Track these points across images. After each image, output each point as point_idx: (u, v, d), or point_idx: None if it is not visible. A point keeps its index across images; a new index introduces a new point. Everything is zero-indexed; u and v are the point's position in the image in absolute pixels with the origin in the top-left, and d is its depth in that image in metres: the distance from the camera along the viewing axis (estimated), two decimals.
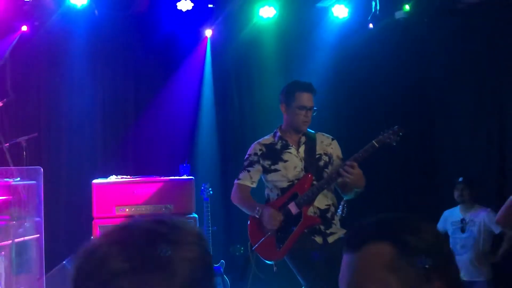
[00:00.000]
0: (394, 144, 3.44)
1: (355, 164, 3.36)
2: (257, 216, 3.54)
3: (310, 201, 3.50)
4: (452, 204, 5.18)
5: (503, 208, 3.40)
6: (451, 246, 5.05)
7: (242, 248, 3.63)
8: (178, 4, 5.59)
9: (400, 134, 3.46)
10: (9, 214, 4.36)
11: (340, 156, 3.69)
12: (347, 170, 3.34)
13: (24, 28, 5.50)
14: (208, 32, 6.05)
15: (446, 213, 5.25)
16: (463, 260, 4.95)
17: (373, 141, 3.44)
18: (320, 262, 3.48)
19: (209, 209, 4.93)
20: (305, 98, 3.60)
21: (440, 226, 5.30)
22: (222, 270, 5.06)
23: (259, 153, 3.70)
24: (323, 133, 3.79)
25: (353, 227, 1.15)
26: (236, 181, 3.77)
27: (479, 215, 4.93)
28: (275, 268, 3.57)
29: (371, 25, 5.93)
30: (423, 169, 6.42)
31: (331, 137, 3.78)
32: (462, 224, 5.01)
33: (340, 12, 5.93)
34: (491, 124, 5.79)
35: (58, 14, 5.49)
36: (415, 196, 6.34)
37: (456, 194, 5.08)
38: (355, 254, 1.08)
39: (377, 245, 1.06)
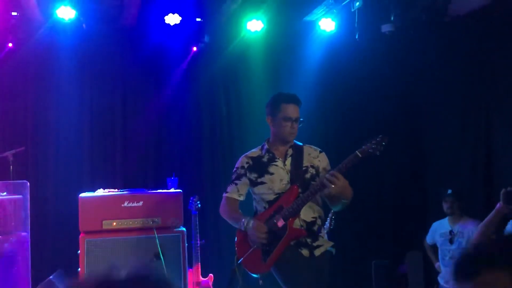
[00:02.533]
0: (378, 153, 3.41)
1: (338, 174, 3.34)
2: (243, 230, 3.53)
3: (295, 213, 3.49)
4: (441, 215, 5.20)
5: (477, 231, 3.40)
6: (440, 257, 5.09)
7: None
8: (166, 18, 5.61)
9: (383, 143, 3.43)
10: None
11: (327, 169, 3.66)
12: (330, 179, 3.32)
13: (12, 43, 5.49)
14: (196, 46, 6.06)
15: (435, 224, 5.26)
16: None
17: (356, 152, 3.42)
18: (307, 274, 3.47)
19: (197, 222, 4.91)
20: (290, 110, 3.61)
21: (429, 237, 5.31)
22: (210, 284, 5.03)
23: (246, 166, 3.70)
24: (311, 146, 3.79)
25: (465, 254, 1.13)
26: (224, 194, 3.76)
27: (468, 226, 4.95)
28: (260, 282, 3.56)
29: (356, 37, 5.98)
30: (411, 180, 6.45)
31: (319, 149, 3.77)
32: (450, 235, 5.03)
33: (327, 25, 5.98)
34: (477, 134, 5.84)
35: (46, 27, 5.50)
36: (403, 207, 6.36)
37: (445, 206, 5.09)
38: (472, 283, 1.08)
39: (493, 274, 1.06)
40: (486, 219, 3.30)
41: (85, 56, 5.73)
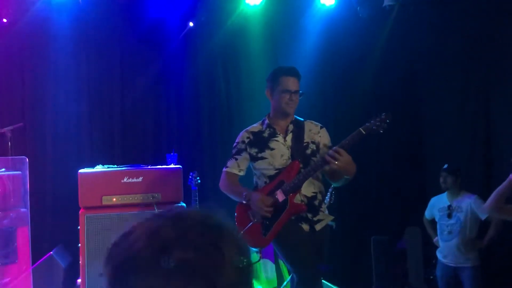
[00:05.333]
0: (382, 131, 3.41)
1: (341, 150, 3.33)
2: (244, 202, 3.53)
3: (296, 189, 3.49)
4: (440, 190, 5.21)
5: (493, 194, 3.40)
6: (438, 232, 5.11)
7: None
8: None
9: (388, 121, 3.42)
10: None
11: (328, 145, 3.66)
12: (333, 156, 3.31)
13: (7, 18, 5.41)
14: (195, 20, 5.99)
15: (433, 199, 5.27)
16: (450, 246, 4.98)
17: (360, 128, 3.40)
18: (307, 248, 3.48)
19: (197, 198, 4.91)
20: (289, 82, 3.59)
21: (427, 213, 5.33)
22: None
23: (246, 141, 3.68)
24: (312, 121, 3.77)
25: None
26: (224, 169, 3.75)
27: (466, 201, 4.96)
28: (260, 256, 3.57)
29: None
30: (411, 156, 6.45)
31: (320, 125, 3.76)
32: (449, 210, 5.04)
33: None
34: (477, 109, 5.82)
35: (42, 2, 5.41)
36: (403, 183, 6.37)
37: (440, 181, 5.11)
38: None
39: None
40: (498, 189, 3.31)
41: (81, 31, 5.66)
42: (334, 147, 3.37)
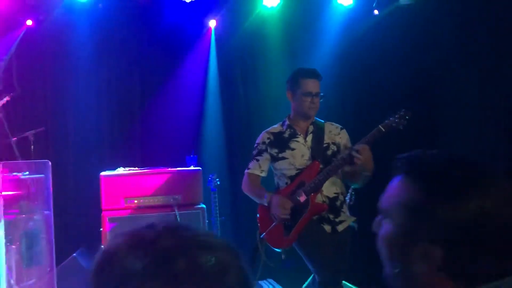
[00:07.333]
0: (401, 128, 3.39)
1: (366, 146, 3.33)
2: (266, 204, 3.55)
3: (317, 189, 3.50)
4: None
5: None
6: None
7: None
8: None
9: (407, 117, 3.41)
10: (18, 207, 4.40)
11: (348, 145, 3.66)
12: (358, 150, 3.31)
13: (29, 22, 5.49)
14: (212, 23, 6.02)
15: None
16: None
17: (380, 126, 3.40)
18: (329, 249, 3.49)
19: (216, 199, 4.94)
20: (310, 84, 3.59)
21: None
22: None
23: (267, 141, 3.70)
24: (332, 123, 3.78)
25: None
26: (246, 171, 3.77)
27: None
28: (283, 256, 3.58)
29: (376, 12, 5.91)
30: None
31: (340, 126, 3.76)
32: None
33: None
34: (498, 107, 5.76)
35: (63, 7, 5.48)
36: None
37: None
38: None
39: None
40: None
41: (102, 35, 5.71)
42: (359, 143, 3.37)
